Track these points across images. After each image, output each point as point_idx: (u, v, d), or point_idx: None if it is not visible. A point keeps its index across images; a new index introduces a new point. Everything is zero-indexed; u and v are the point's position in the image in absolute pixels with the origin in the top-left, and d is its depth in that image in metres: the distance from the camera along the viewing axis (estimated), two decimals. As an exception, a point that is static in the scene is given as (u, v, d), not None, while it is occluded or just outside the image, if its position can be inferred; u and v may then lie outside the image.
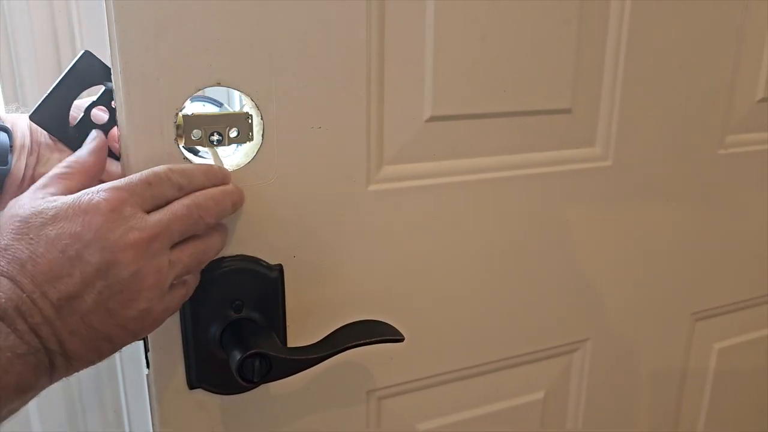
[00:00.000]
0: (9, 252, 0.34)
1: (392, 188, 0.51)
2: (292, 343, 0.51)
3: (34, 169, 0.47)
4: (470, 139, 0.54)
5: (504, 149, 0.55)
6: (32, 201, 0.37)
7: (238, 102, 0.47)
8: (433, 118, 0.51)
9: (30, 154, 0.47)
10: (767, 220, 0.72)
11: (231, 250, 0.47)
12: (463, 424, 0.62)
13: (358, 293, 0.53)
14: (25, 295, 0.33)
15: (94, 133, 0.45)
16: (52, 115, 0.45)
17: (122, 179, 0.38)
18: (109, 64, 0.42)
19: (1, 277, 0.34)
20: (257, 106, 0.45)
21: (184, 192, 0.40)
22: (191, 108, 0.44)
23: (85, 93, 0.46)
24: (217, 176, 0.42)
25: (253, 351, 0.43)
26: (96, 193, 0.36)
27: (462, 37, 0.50)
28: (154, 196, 0.38)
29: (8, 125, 0.46)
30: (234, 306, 0.47)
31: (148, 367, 0.48)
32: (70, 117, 0.46)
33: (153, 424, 0.49)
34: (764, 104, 0.67)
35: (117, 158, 0.47)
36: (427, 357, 0.58)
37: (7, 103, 0.53)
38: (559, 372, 0.67)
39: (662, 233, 0.66)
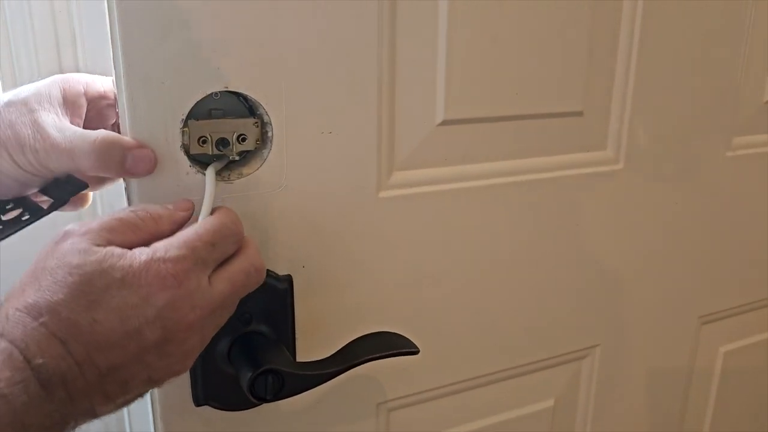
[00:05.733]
0: (65, 311, 0.31)
1: (403, 194, 0.50)
2: (301, 356, 0.49)
3: None
4: (481, 143, 0.52)
5: (515, 153, 0.54)
6: (91, 250, 0.33)
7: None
8: (445, 122, 0.50)
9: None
10: (772, 222, 0.72)
11: (238, 260, 0.45)
12: (474, 434, 0.61)
13: (369, 303, 0.51)
14: (74, 362, 0.31)
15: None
16: None
17: (185, 238, 0.35)
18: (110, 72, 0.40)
19: (53, 338, 0.30)
20: (266, 111, 0.43)
21: (239, 245, 0.38)
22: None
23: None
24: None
25: (265, 368, 0.41)
26: (163, 262, 0.33)
27: (474, 39, 0.49)
28: (216, 259, 0.36)
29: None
30: (242, 319, 0.45)
31: (151, 384, 0.46)
32: None
33: (157, 444, 0.47)
34: (771, 106, 0.67)
35: None
36: (437, 367, 0.56)
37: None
38: (569, 379, 0.65)
39: (671, 236, 0.65)
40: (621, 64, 0.56)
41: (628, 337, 0.67)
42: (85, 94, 0.44)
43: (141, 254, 0.33)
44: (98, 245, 0.33)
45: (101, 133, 0.39)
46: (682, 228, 0.65)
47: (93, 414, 0.33)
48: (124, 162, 0.39)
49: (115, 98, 0.45)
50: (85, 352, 0.31)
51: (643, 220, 0.62)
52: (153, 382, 0.35)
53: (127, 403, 0.35)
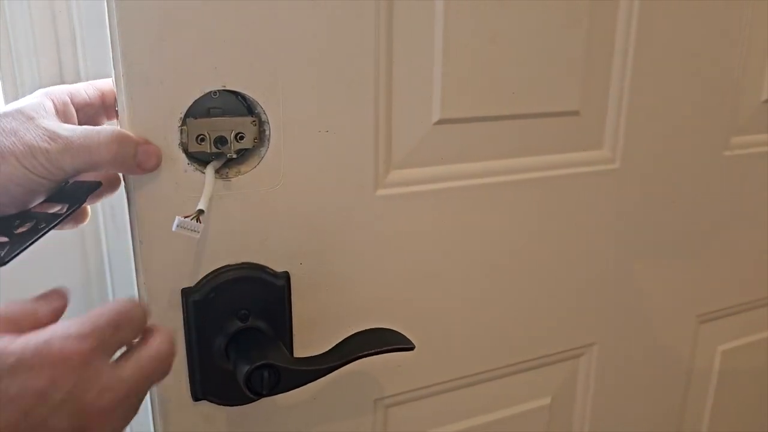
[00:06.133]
0: None
1: (400, 193, 0.50)
2: (298, 352, 0.49)
3: None
4: (478, 142, 0.53)
5: (512, 152, 0.54)
6: None
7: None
8: (441, 121, 0.50)
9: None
10: (771, 222, 0.72)
11: (236, 257, 0.46)
12: (471, 431, 0.61)
13: (366, 301, 0.51)
14: None
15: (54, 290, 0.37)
16: None
17: (86, 320, 0.32)
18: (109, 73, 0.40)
19: None
20: (264, 110, 0.44)
21: (140, 333, 0.35)
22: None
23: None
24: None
25: (261, 362, 0.41)
26: (64, 339, 0.29)
27: (471, 38, 0.49)
28: (119, 342, 0.33)
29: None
30: (240, 315, 0.46)
31: (150, 379, 0.46)
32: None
33: (156, 438, 0.48)
34: (769, 105, 0.67)
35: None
36: (435, 364, 0.57)
37: (7, 102, 0.52)
38: (566, 377, 0.66)
39: (668, 235, 0.65)
40: (617, 63, 0.56)
41: (626, 335, 0.67)
42: (72, 103, 0.44)
43: (38, 335, 0.30)
44: None
45: (113, 127, 0.40)
46: (679, 227, 0.66)
47: None
48: (136, 156, 0.39)
49: (103, 102, 0.46)
50: None
51: (639, 219, 0.63)
52: None
53: None
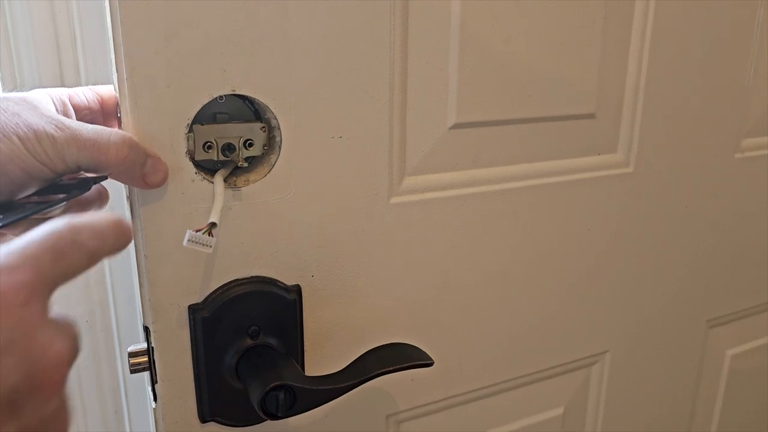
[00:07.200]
0: None
1: (414, 200, 0.48)
2: (310, 369, 0.47)
3: None
4: (493, 147, 0.51)
5: (527, 157, 0.53)
6: None
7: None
8: (457, 126, 0.48)
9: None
10: (779, 224, 0.71)
11: (245, 271, 0.43)
12: (484, 444, 0.59)
13: (379, 313, 0.49)
14: None
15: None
16: None
17: (18, 245, 0.25)
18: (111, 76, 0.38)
19: None
20: (275, 115, 0.41)
21: (94, 259, 0.27)
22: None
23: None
24: (127, 234, 0.29)
25: (276, 383, 0.39)
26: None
27: (487, 41, 0.47)
28: (64, 275, 0.26)
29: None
30: (250, 332, 0.43)
31: (155, 400, 0.44)
32: None
33: (161, 462, 0.45)
34: (779, 107, 0.66)
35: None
36: (448, 377, 0.55)
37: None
38: (578, 386, 0.64)
39: (680, 239, 0.64)
40: (632, 66, 0.55)
41: (637, 341, 0.66)
42: (71, 105, 0.42)
43: None
44: None
45: (125, 132, 0.37)
46: (691, 231, 0.64)
47: None
48: (144, 166, 0.37)
49: (102, 107, 0.43)
50: None
51: (652, 224, 0.61)
52: None
53: None
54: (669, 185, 0.61)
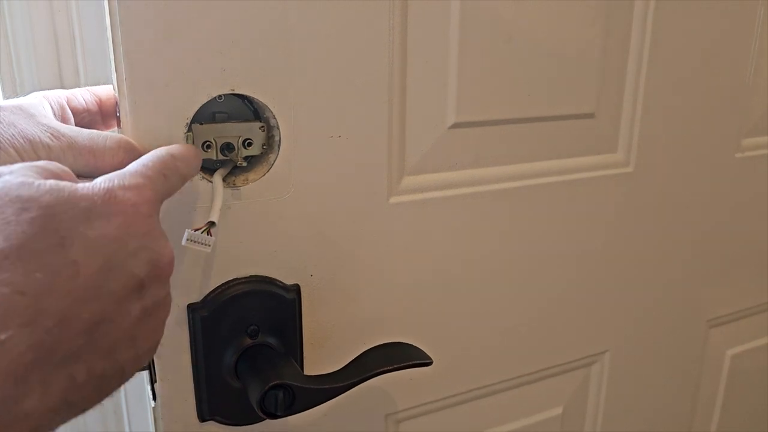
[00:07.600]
0: (23, 258, 0.23)
1: (413, 200, 0.48)
2: (309, 369, 0.47)
3: None
4: (492, 146, 0.51)
5: (526, 156, 0.53)
6: (38, 182, 0.26)
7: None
8: (456, 125, 0.48)
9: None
10: (780, 224, 0.71)
11: (244, 270, 0.43)
12: (483, 444, 0.60)
13: (378, 312, 0.49)
14: (47, 337, 0.23)
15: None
16: None
17: (136, 168, 0.31)
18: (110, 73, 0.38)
19: (19, 298, 0.23)
20: (274, 115, 0.41)
21: (185, 181, 0.34)
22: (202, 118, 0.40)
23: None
24: (200, 161, 0.37)
25: (275, 383, 0.39)
26: (121, 189, 0.28)
27: (487, 39, 0.47)
28: (168, 193, 0.32)
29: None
30: (249, 331, 0.43)
31: (154, 399, 0.44)
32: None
33: (160, 461, 0.45)
34: (779, 106, 0.66)
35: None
36: (447, 376, 0.55)
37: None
38: (577, 386, 0.64)
39: (680, 239, 0.64)
40: (632, 64, 0.55)
41: (637, 341, 0.66)
42: (69, 108, 0.42)
43: (97, 183, 0.28)
44: (41, 178, 0.27)
45: (120, 135, 0.37)
46: (691, 230, 0.64)
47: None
48: None
49: (100, 108, 0.43)
50: (60, 315, 0.24)
51: (652, 224, 0.61)
52: (137, 347, 0.28)
53: (84, 405, 0.27)
54: (669, 185, 0.61)
